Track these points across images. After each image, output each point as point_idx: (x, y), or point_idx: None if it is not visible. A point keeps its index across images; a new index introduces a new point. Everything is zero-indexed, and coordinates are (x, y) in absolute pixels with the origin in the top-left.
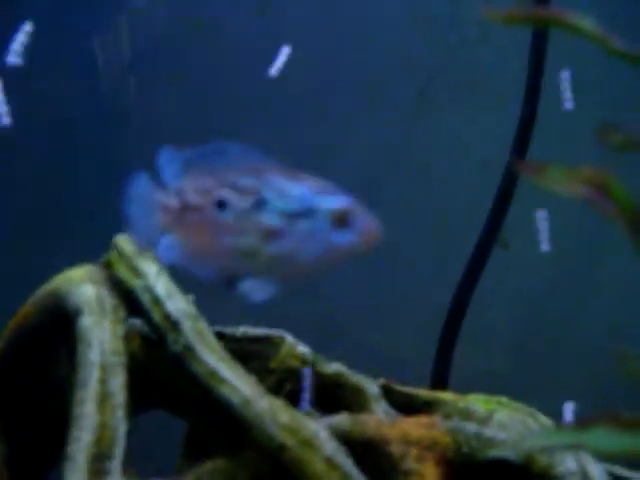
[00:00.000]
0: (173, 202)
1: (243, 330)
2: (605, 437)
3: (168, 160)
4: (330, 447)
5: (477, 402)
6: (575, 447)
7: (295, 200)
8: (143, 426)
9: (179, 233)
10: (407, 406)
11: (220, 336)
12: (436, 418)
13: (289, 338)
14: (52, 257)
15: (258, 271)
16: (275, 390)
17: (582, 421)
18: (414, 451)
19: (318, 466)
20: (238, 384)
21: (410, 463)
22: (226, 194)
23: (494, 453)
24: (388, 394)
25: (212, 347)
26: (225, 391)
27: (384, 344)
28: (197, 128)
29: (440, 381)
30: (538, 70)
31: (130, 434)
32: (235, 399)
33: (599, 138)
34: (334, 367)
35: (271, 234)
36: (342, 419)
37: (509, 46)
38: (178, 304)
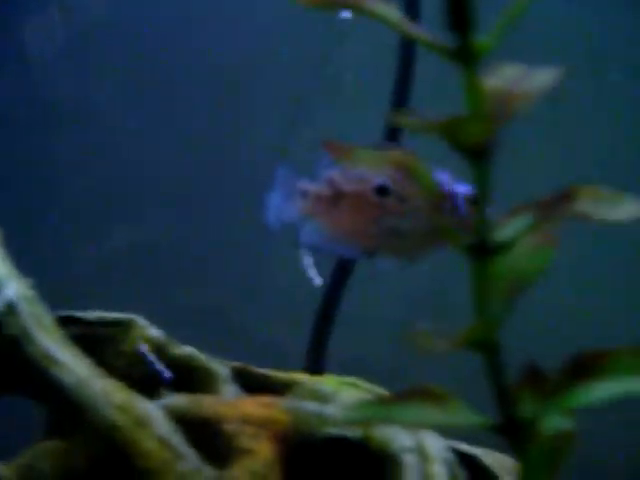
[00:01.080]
0: (326, 191)
1: (96, 314)
2: (415, 411)
3: (324, 155)
4: (163, 426)
5: (330, 383)
6: (384, 420)
7: (442, 187)
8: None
9: (330, 219)
10: (263, 388)
11: (71, 320)
12: (276, 398)
13: (141, 321)
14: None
15: (397, 248)
16: (126, 372)
17: (397, 395)
18: (250, 430)
19: (150, 445)
20: (72, 366)
21: (245, 441)
22: (385, 182)
23: (333, 431)
24: (244, 376)
25: (48, 330)
26: (59, 372)
27: (265, 330)
28: (131, 117)
29: (315, 367)
30: (407, 67)
31: None
32: (69, 380)
33: (391, 121)
34: (186, 350)
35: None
36: (178, 399)
37: (378, 45)
38: (15, 288)
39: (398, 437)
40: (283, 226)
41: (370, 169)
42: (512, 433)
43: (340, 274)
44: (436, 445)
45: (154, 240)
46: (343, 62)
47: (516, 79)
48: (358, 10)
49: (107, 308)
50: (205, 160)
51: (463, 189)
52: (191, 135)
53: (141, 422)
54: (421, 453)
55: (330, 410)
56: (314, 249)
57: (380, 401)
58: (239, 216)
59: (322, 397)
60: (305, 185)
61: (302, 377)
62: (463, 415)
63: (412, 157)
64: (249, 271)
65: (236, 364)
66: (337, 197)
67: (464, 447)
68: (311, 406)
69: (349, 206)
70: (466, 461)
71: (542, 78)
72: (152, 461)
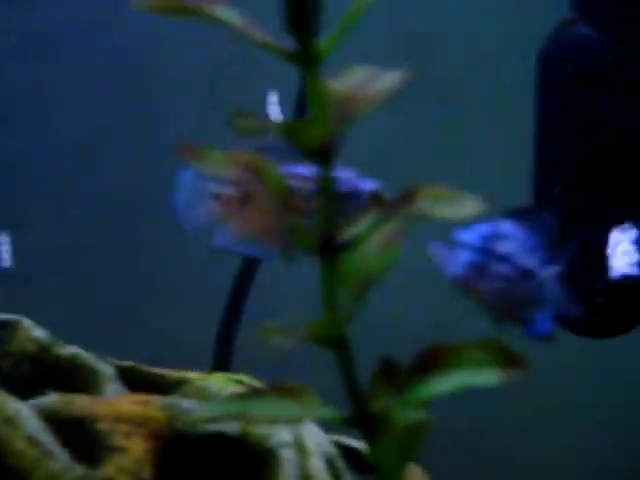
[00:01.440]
0: (234, 192)
1: None
2: (271, 406)
3: None
4: (32, 425)
5: (218, 380)
6: (240, 416)
7: (345, 183)
8: None
9: (240, 220)
10: (155, 387)
11: None
12: (153, 395)
13: (27, 322)
14: None
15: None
16: (11, 373)
17: (255, 391)
18: (123, 428)
19: (18, 444)
20: None
21: (118, 440)
22: (290, 181)
23: (210, 427)
24: (134, 376)
25: None
26: None
27: (177, 329)
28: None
29: (222, 364)
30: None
31: None
32: None
33: (230, 123)
34: (71, 349)
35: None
36: (50, 399)
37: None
38: None
39: (276, 432)
40: (196, 229)
41: (219, 171)
42: (364, 426)
43: (246, 271)
44: (316, 439)
45: (60, 239)
46: (253, 59)
47: (363, 82)
48: (197, 14)
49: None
50: (114, 158)
51: (367, 185)
52: (98, 133)
53: (9, 421)
54: (299, 447)
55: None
56: (227, 252)
57: (237, 397)
58: (147, 214)
59: (208, 395)
60: (216, 187)
61: (192, 375)
62: (317, 409)
63: (261, 158)
64: (159, 270)
65: (126, 363)
66: (246, 198)
67: (348, 441)
68: (187, 403)
69: (258, 207)
70: (350, 455)
71: (387, 81)
72: (22, 460)
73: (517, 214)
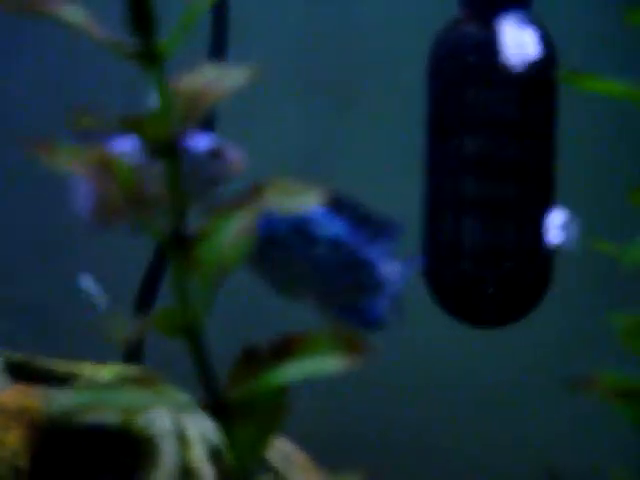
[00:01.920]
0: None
1: None
2: (128, 395)
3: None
4: None
5: (109, 373)
6: (95, 406)
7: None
8: None
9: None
10: (47, 379)
11: None
12: (35, 387)
13: None
14: None
15: None
16: None
17: (111, 382)
18: (1, 418)
19: None
20: None
21: None
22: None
23: (90, 418)
24: (27, 369)
25: None
26: None
27: (86, 326)
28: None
29: (133, 357)
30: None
31: None
32: None
33: (70, 122)
34: None
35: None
36: None
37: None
38: None
39: (158, 422)
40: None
41: (71, 166)
42: (219, 413)
43: (157, 261)
44: (200, 429)
45: None
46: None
47: (211, 79)
48: (43, 14)
49: None
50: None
51: (202, 144)
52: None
53: None
54: (180, 437)
55: None
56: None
57: (94, 387)
58: (54, 212)
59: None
60: None
61: (85, 368)
62: (170, 396)
63: (112, 154)
64: (64, 269)
65: (17, 356)
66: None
67: None
68: (67, 394)
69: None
70: None
71: (234, 77)
72: None
73: (336, 204)
